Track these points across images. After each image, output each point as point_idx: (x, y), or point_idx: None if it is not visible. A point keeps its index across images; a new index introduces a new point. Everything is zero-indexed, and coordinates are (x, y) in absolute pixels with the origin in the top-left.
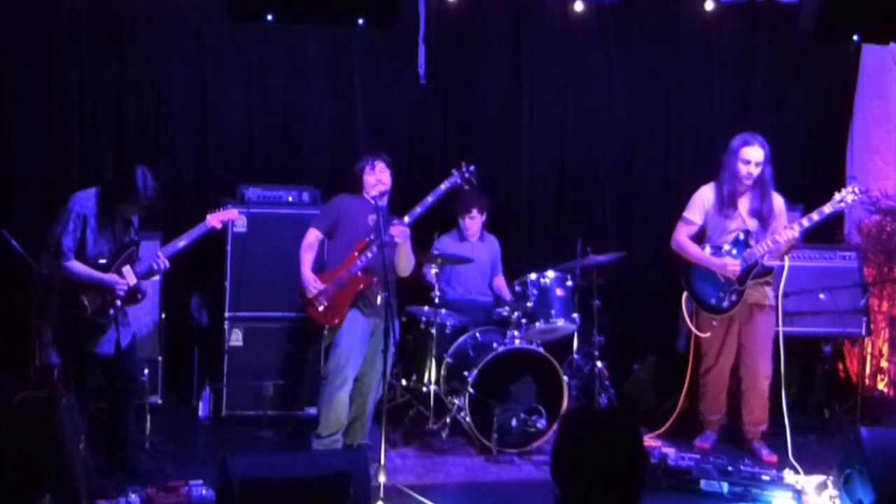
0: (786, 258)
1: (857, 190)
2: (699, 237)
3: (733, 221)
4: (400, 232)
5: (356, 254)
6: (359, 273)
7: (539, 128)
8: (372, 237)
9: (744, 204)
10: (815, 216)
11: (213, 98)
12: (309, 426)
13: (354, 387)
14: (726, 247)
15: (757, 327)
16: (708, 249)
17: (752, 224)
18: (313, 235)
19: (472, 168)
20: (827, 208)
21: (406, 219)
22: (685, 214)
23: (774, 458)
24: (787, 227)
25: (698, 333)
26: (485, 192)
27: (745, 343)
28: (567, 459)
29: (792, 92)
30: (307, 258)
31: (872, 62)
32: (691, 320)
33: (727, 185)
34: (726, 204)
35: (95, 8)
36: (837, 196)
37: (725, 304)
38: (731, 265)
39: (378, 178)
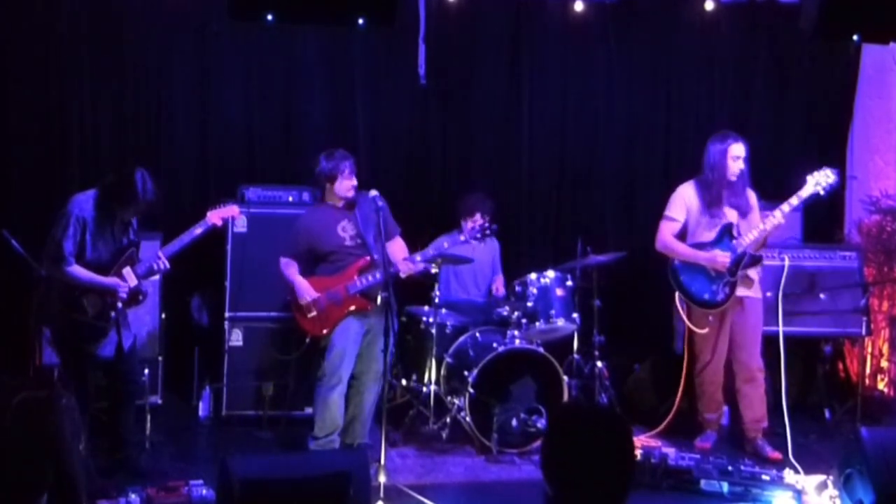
0: (786, 258)
1: (829, 173)
2: (680, 237)
3: (718, 218)
4: (407, 269)
5: (356, 275)
6: (357, 295)
7: (539, 128)
8: (375, 258)
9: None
10: (794, 201)
11: (213, 98)
12: (306, 426)
13: (351, 386)
14: (711, 242)
15: (747, 319)
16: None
17: (733, 217)
18: (285, 260)
19: (495, 227)
20: (804, 192)
21: (418, 257)
22: (667, 213)
23: (779, 454)
24: (770, 214)
25: (696, 330)
26: (489, 195)
27: (737, 337)
28: (556, 454)
29: (792, 92)
30: (292, 270)
31: (872, 62)
32: (688, 318)
33: (716, 185)
34: (714, 204)
35: (96, 8)
36: (811, 179)
37: (720, 297)
38: (721, 257)
39: (352, 182)
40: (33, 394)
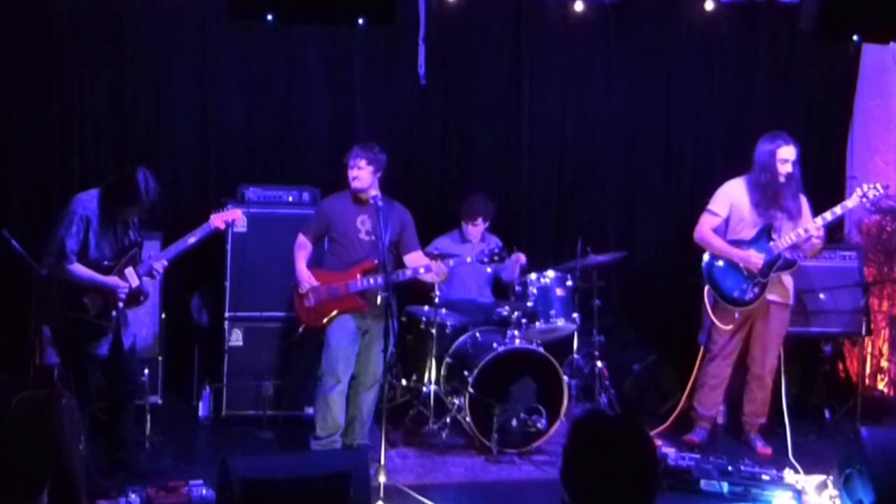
0: None
1: (879, 186)
2: (719, 231)
3: (769, 219)
4: (440, 270)
5: (359, 274)
6: (357, 296)
7: (539, 128)
8: (381, 260)
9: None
10: (837, 210)
11: (213, 98)
12: (306, 426)
13: (350, 387)
14: (749, 240)
15: (772, 324)
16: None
17: (783, 219)
18: (302, 239)
19: (505, 253)
20: (850, 202)
21: (421, 269)
22: (710, 207)
23: (769, 450)
24: (811, 220)
25: (720, 326)
26: (489, 198)
27: (758, 340)
28: (579, 466)
29: (792, 92)
30: (301, 255)
31: (872, 62)
32: (713, 313)
33: (770, 186)
34: (768, 204)
35: (95, 8)
36: (859, 191)
37: (749, 296)
38: (755, 257)
39: (352, 173)
40: (33, 394)
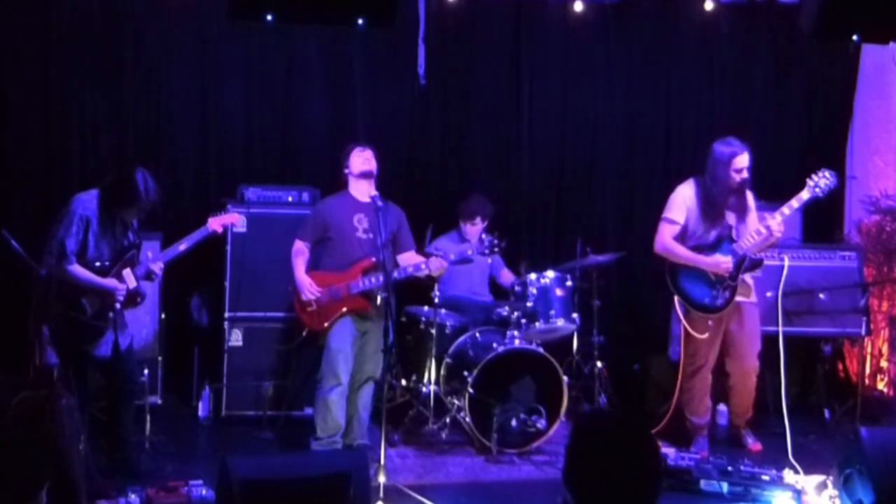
0: (785, 258)
1: (828, 175)
2: (679, 237)
3: (717, 222)
4: (439, 265)
5: (360, 274)
6: (359, 296)
7: (539, 128)
8: (380, 258)
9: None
10: (794, 203)
11: (213, 98)
12: (306, 426)
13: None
14: (710, 245)
15: (745, 324)
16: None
17: (732, 220)
18: (300, 244)
19: (504, 244)
20: (804, 194)
21: (423, 266)
22: (667, 215)
23: (759, 446)
24: (770, 217)
25: (696, 335)
26: (490, 199)
27: (735, 343)
28: (582, 466)
29: (792, 92)
30: (299, 262)
31: (872, 62)
32: (686, 322)
33: (718, 196)
34: (715, 208)
35: (96, 8)
36: (811, 182)
37: (720, 301)
38: (724, 262)
39: (362, 156)
40: (33, 394)
